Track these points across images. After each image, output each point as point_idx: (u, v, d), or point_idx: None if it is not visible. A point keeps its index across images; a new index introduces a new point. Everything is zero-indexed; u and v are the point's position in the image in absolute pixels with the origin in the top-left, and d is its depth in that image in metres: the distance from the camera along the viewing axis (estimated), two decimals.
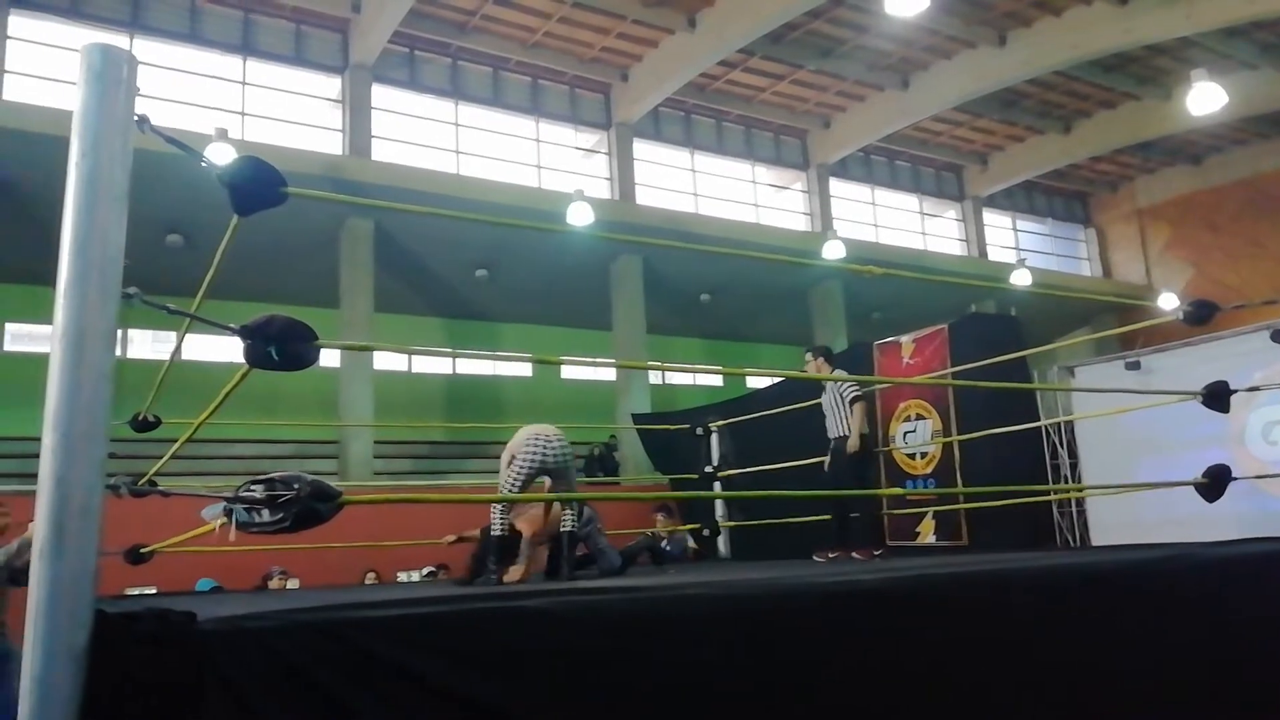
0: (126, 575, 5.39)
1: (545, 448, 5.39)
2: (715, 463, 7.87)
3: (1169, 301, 17.40)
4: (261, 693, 1.70)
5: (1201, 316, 3.92)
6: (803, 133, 18.83)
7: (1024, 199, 22.49)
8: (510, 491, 5.31)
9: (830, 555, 6.15)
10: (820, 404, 6.67)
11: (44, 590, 1.67)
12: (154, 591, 6.68)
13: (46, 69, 11.90)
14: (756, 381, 17.72)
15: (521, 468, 5.35)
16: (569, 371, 18.52)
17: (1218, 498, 3.91)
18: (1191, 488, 4.03)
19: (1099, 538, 8.54)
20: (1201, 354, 8.06)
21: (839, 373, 6.73)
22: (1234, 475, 4.00)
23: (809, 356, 6.77)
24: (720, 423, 8.17)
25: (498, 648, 1.96)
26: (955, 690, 2.63)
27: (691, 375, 19.99)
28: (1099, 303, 19.91)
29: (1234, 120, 17.77)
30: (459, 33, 14.84)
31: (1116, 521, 8.28)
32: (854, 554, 6.08)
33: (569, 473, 5.57)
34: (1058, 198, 23.15)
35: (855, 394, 6.36)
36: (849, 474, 6.32)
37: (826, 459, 6.47)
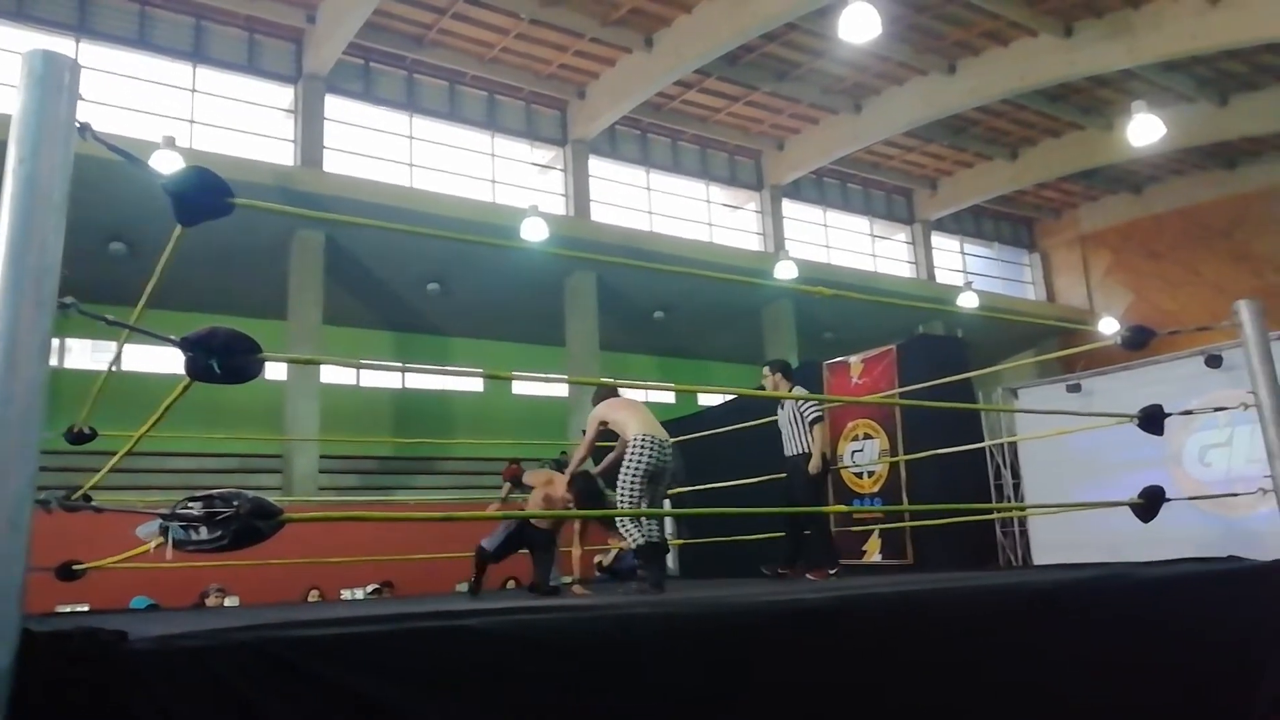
0: (59, 592, 5.24)
1: (660, 453, 5.15)
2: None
3: (1109, 326, 17.87)
4: (193, 713, 1.66)
5: (1139, 342, 4.02)
6: (757, 154, 19.04)
7: (972, 223, 22.95)
8: (629, 502, 5.05)
9: (780, 571, 6.12)
10: (776, 420, 6.65)
11: None
12: (87, 609, 6.50)
13: None
14: (707, 400, 17.80)
15: (638, 474, 5.08)
16: (520, 387, 18.45)
17: (1152, 518, 4.01)
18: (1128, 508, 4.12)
19: (1040, 557, 8.68)
20: (1140, 378, 8.25)
21: (798, 390, 6.60)
22: (1168, 496, 4.10)
23: (767, 371, 6.59)
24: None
25: (437, 667, 1.93)
26: (902, 710, 2.65)
27: (644, 392, 20.01)
28: (1042, 326, 20.33)
29: (1173, 151, 18.32)
30: (415, 46, 14.79)
31: (1057, 541, 8.43)
32: (808, 574, 6.00)
33: (665, 477, 5.36)
34: (1004, 223, 23.65)
35: (816, 415, 6.26)
36: (806, 493, 6.22)
37: (784, 476, 6.38)
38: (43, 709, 1.62)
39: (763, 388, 6.71)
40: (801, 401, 6.31)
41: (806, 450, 6.21)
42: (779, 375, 6.52)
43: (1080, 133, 18.35)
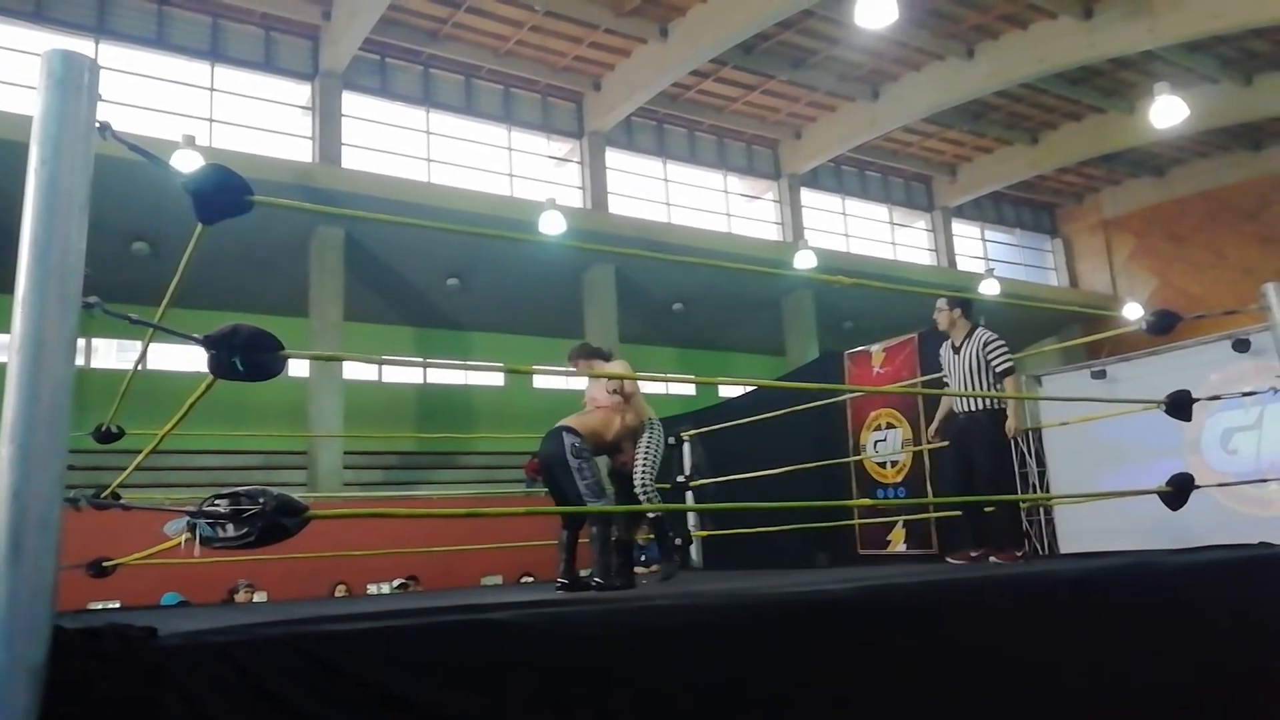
0: (90, 589, 5.31)
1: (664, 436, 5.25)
2: (687, 472, 7.87)
3: (1134, 311, 17.69)
4: (224, 708, 1.67)
5: (1164, 326, 3.97)
6: (774, 143, 18.94)
7: (992, 209, 22.75)
8: (652, 480, 5.03)
9: (972, 555, 5.34)
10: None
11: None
12: (117, 606, 6.58)
13: (7, 73, 11.72)
14: (728, 391, 17.74)
15: (656, 457, 5.13)
16: (541, 381, 18.47)
17: (1181, 505, 3.96)
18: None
19: (1067, 545, 8.63)
20: (1165, 363, 8.17)
21: (981, 333, 5.41)
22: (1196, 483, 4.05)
23: (943, 304, 5.54)
24: (692, 432, 8.19)
25: (466, 661, 1.94)
26: (929, 699, 2.64)
27: (664, 384, 19.98)
28: (1066, 312, 20.15)
29: (1196, 133, 18.08)
30: (430, 40, 14.80)
31: (1083, 529, 8.37)
32: (992, 557, 5.17)
33: None
34: (1025, 208, 23.44)
35: (1010, 363, 5.26)
36: (989, 461, 5.26)
37: (938, 440, 5.58)
38: (74, 705, 1.64)
39: (936, 324, 5.69)
40: (988, 345, 5.32)
41: (990, 406, 5.23)
42: (957, 311, 5.50)
43: (1101, 116, 18.13)
